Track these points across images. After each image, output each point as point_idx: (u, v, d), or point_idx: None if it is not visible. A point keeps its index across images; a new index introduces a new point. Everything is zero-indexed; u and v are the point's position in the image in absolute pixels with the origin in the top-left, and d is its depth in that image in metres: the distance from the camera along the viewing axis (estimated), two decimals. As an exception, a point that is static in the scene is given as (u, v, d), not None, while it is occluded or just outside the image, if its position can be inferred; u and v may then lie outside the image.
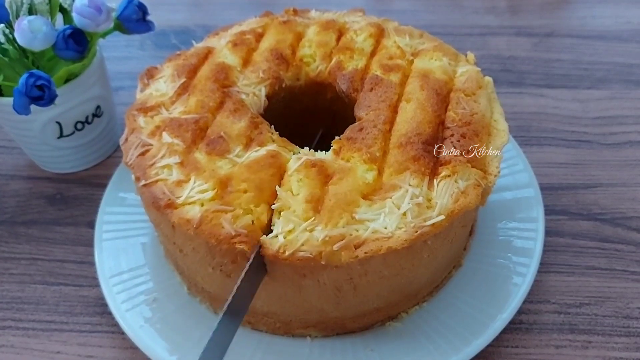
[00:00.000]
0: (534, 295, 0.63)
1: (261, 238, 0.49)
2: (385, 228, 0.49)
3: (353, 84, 0.62)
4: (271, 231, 0.50)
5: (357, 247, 0.48)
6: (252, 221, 0.50)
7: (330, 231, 0.48)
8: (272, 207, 0.51)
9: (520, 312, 0.60)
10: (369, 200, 0.51)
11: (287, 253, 0.48)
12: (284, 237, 0.48)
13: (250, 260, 0.49)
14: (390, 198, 0.50)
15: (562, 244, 0.68)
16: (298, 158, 0.54)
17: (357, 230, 0.49)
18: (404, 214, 0.49)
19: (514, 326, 0.60)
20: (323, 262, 0.48)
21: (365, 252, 0.48)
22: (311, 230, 0.48)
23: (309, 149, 0.56)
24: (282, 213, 0.50)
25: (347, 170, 0.52)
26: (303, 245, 0.48)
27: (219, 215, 0.50)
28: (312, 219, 0.49)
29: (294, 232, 0.49)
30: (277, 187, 0.52)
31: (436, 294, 0.60)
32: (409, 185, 0.51)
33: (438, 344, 0.55)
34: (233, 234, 0.49)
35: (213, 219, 0.50)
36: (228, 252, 0.50)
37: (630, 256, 0.67)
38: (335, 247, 0.48)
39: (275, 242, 0.49)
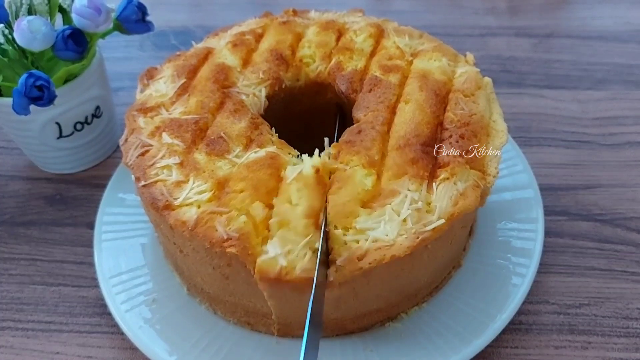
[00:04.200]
0: (534, 295, 0.63)
1: (257, 261, 0.47)
2: (387, 236, 0.48)
3: (352, 84, 0.62)
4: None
5: (360, 259, 0.47)
6: (246, 223, 0.49)
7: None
8: (270, 222, 0.49)
9: (519, 312, 0.60)
10: (368, 208, 0.50)
11: (289, 276, 0.46)
12: (285, 258, 0.47)
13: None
14: (390, 204, 0.49)
15: (562, 244, 0.68)
16: (296, 168, 0.52)
17: (358, 242, 0.48)
18: (404, 220, 0.49)
19: (513, 327, 0.60)
20: (330, 279, 0.47)
21: (370, 263, 0.47)
22: (312, 247, 0.47)
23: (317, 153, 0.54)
24: (278, 232, 0.48)
25: (346, 178, 0.51)
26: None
27: (214, 218, 0.50)
28: (310, 235, 0.47)
29: (293, 251, 0.47)
30: (274, 199, 0.50)
31: (436, 295, 0.60)
32: (408, 190, 0.50)
33: (438, 344, 0.55)
34: (225, 237, 0.48)
35: (208, 221, 0.49)
36: (223, 255, 0.50)
37: (629, 257, 0.67)
38: (338, 263, 0.47)
39: (275, 264, 0.47)
